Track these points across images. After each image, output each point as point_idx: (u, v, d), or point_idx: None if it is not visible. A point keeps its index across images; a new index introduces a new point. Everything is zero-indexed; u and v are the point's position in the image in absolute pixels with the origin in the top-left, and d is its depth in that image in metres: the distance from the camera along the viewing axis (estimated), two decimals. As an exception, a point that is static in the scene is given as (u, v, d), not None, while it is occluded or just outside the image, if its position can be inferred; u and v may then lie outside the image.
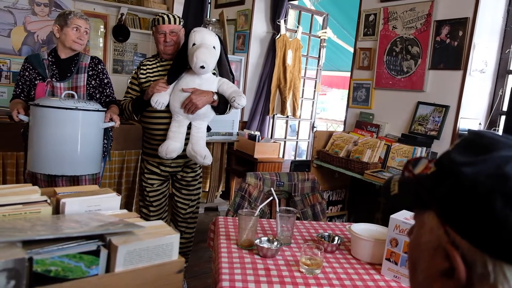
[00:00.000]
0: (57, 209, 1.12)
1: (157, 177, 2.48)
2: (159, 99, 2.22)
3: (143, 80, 2.38)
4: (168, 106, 2.29)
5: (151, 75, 2.39)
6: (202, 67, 2.18)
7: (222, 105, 2.36)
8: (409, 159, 0.60)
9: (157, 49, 2.44)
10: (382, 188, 0.62)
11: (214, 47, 2.26)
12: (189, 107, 2.24)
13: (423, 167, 0.53)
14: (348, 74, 3.54)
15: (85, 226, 0.91)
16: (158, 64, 2.42)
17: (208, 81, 2.33)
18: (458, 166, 0.47)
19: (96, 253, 0.85)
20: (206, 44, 2.23)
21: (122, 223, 0.97)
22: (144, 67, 2.40)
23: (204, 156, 2.34)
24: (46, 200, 1.11)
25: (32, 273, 0.77)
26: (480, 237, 0.45)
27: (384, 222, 3.04)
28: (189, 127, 2.37)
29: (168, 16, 2.33)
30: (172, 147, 2.28)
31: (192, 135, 2.36)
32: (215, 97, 2.31)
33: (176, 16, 2.37)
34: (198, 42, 2.23)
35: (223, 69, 2.40)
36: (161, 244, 0.94)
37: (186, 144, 2.36)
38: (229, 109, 2.44)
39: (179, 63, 2.27)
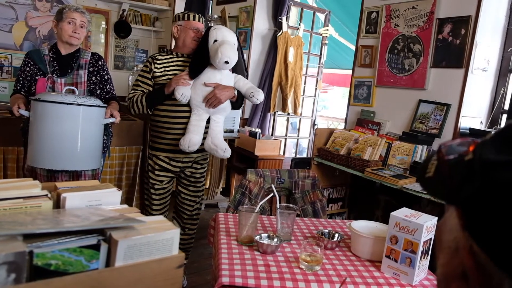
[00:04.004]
0: (58, 204, 1.12)
1: (167, 174, 2.48)
2: (184, 92, 2.25)
3: (159, 74, 2.38)
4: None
5: (167, 69, 2.39)
6: (227, 62, 2.24)
7: (239, 100, 2.46)
8: (447, 141, 0.52)
9: (177, 43, 2.45)
10: (419, 166, 0.56)
11: (234, 43, 2.34)
12: (212, 101, 2.30)
13: (464, 150, 0.45)
14: (349, 72, 3.54)
15: (86, 221, 0.91)
16: (174, 59, 2.42)
17: (227, 77, 2.40)
18: (488, 166, 0.39)
19: (96, 247, 0.85)
20: (228, 41, 2.29)
21: (122, 217, 0.97)
22: (158, 61, 2.40)
23: (225, 149, 2.41)
24: (46, 195, 1.11)
25: (32, 266, 0.77)
26: (500, 254, 0.38)
27: (384, 220, 3.04)
28: (206, 121, 2.42)
29: (199, 15, 2.44)
30: (194, 140, 2.32)
31: (211, 129, 2.42)
32: (236, 92, 2.39)
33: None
34: (219, 39, 2.29)
35: (238, 66, 2.44)
36: (161, 239, 0.94)
37: (203, 138, 2.41)
38: (242, 105, 2.58)
39: (201, 58, 2.32)
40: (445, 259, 0.48)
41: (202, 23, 2.45)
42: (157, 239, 0.93)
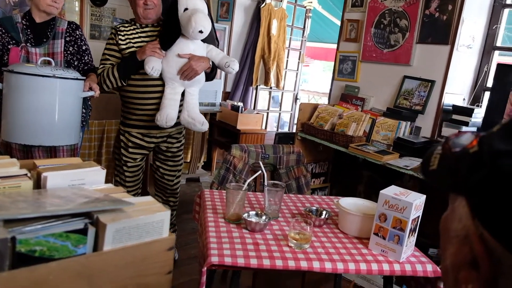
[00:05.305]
0: (38, 183, 1.06)
1: (141, 151, 2.41)
2: (155, 66, 2.15)
3: (124, 46, 2.26)
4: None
5: (132, 41, 2.27)
6: (201, 31, 2.15)
7: (214, 71, 2.38)
8: (451, 134, 0.54)
9: (134, 14, 2.31)
10: (423, 160, 0.56)
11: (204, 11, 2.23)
12: (188, 73, 2.21)
13: (468, 143, 0.47)
14: (332, 45, 3.49)
15: (70, 203, 0.86)
16: (138, 30, 2.29)
17: (200, 47, 2.30)
18: (496, 155, 0.40)
19: (83, 231, 0.80)
20: (200, 9, 2.18)
21: (109, 199, 0.92)
22: (122, 33, 2.27)
23: (203, 122, 2.34)
24: (26, 174, 1.04)
25: (15, 253, 0.72)
26: (510, 238, 0.40)
27: (366, 195, 3.07)
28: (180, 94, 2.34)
29: None
30: (171, 114, 2.24)
31: (187, 102, 2.33)
32: (211, 63, 2.31)
33: None
34: (190, 7, 2.17)
35: (208, 36, 2.32)
36: (151, 222, 0.90)
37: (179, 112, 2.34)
38: (215, 77, 2.47)
39: (172, 28, 2.19)
40: (453, 248, 0.49)
41: None
42: (147, 221, 0.89)
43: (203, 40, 2.34)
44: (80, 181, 1.09)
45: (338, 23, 4.80)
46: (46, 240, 0.75)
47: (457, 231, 0.48)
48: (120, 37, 2.26)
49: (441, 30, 2.68)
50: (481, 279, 0.44)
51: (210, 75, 2.39)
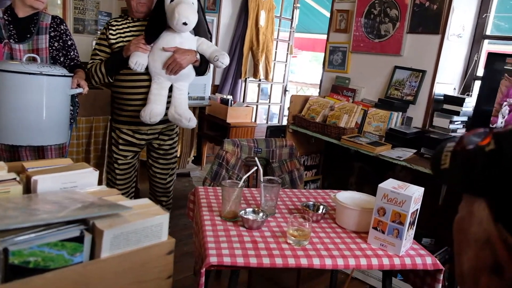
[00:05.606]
0: (28, 187, 1.02)
1: (132, 148, 2.36)
2: (139, 60, 2.10)
3: (114, 41, 2.21)
4: (145, 68, 2.17)
5: (122, 35, 2.22)
6: (185, 23, 2.08)
7: (203, 65, 2.30)
8: (467, 132, 0.51)
9: (127, 7, 2.27)
10: (432, 158, 0.53)
11: (193, 3, 2.16)
12: (173, 66, 2.14)
13: (481, 139, 0.45)
14: (319, 36, 3.46)
15: (64, 209, 0.82)
16: (128, 25, 2.25)
17: (188, 40, 2.23)
18: None
19: (79, 239, 0.77)
20: (186, 0, 2.11)
21: (105, 203, 0.88)
22: (113, 27, 2.24)
23: (189, 119, 2.28)
24: (15, 178, 1.00)
25: (8, 265, 0.68)
26: None
27: (358, 187, 3.06)
28: (168, 89, 2.27)
29: None
30: (156, 110, 2.18)
31: (174, 98, 2.27)
32: (198, 56, 2.23)
33: None
34: None
35: (200, 28, 2.28)
36: (149, 226, 0.87)
37: (167, 108, 2.28)
38: (207, 71, 2.39)
39: (157, 21, 2.14)
40: (472, 252, 0.47)
41: None
42: (145, 225, 0.86)
43: (195, 33, 2.29)
44: (72, 184, 1.05)
45: (326, 13, 4.78)
46: (41, 250, 0.71)
47: (476, 234, 0.46)
48: (111, 31, 2.23)
49: (432, 20, 2.67)
50: (505, 285, 0.43)
51: (200, 69, 2.31)
